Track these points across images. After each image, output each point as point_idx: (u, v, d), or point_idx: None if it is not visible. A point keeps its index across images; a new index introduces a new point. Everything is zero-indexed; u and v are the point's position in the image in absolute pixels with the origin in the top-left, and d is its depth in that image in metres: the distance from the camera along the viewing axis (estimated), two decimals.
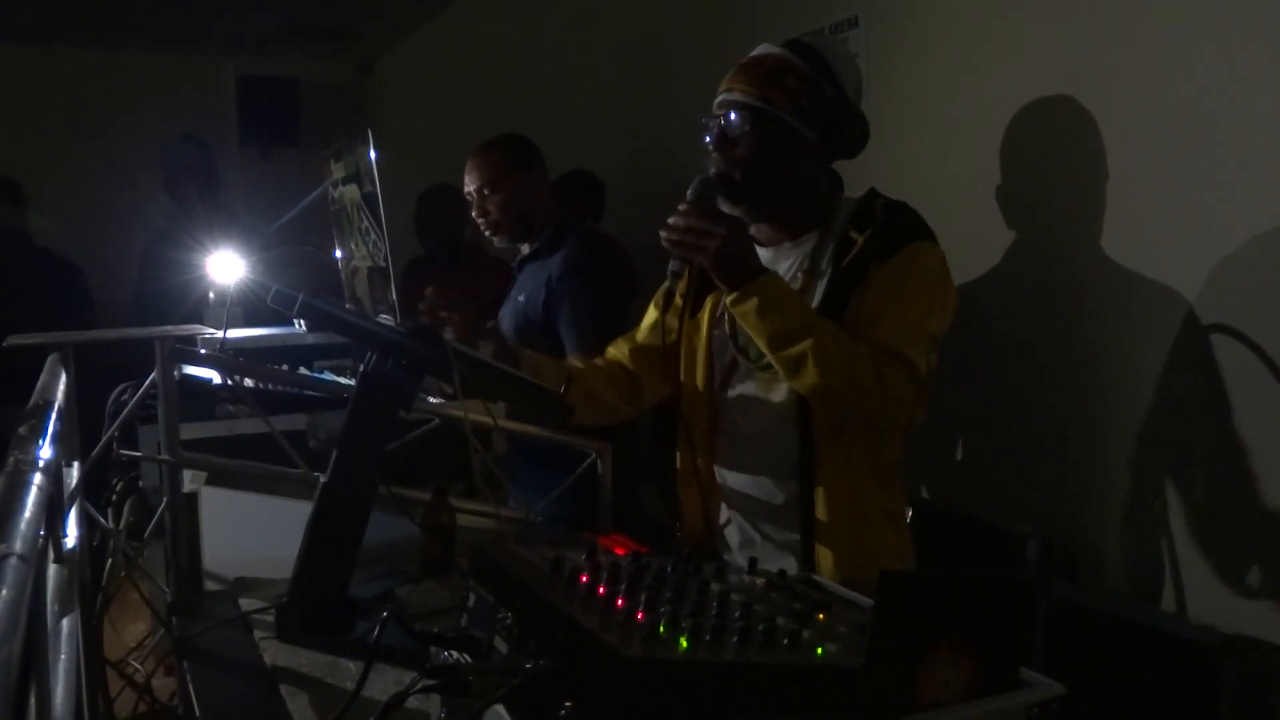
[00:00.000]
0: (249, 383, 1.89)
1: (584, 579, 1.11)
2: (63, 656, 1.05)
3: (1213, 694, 1.78)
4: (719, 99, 1.65)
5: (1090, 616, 2.02)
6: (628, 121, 4.08)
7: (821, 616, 1.06)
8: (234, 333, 2.11)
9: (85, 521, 1.62)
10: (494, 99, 4.06)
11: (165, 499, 1.77)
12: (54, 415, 1.27)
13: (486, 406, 1.77)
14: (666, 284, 1.64)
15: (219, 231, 2.54)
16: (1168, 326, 1.99)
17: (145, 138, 3.98)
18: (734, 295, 1.51)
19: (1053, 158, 2.23)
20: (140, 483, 1.90)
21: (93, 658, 1.60)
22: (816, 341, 1.48)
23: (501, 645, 1.08)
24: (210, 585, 1.80)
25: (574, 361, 1.90)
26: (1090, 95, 2.12)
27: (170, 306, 2.54)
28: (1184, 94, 1.95)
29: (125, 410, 1.76)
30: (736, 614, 1.02)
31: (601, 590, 1.07)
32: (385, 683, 1.26)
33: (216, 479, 1.82)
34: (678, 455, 1.83)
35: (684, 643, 0.94)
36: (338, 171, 1.87)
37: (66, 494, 1.45)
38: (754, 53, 1.67)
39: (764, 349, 1.54)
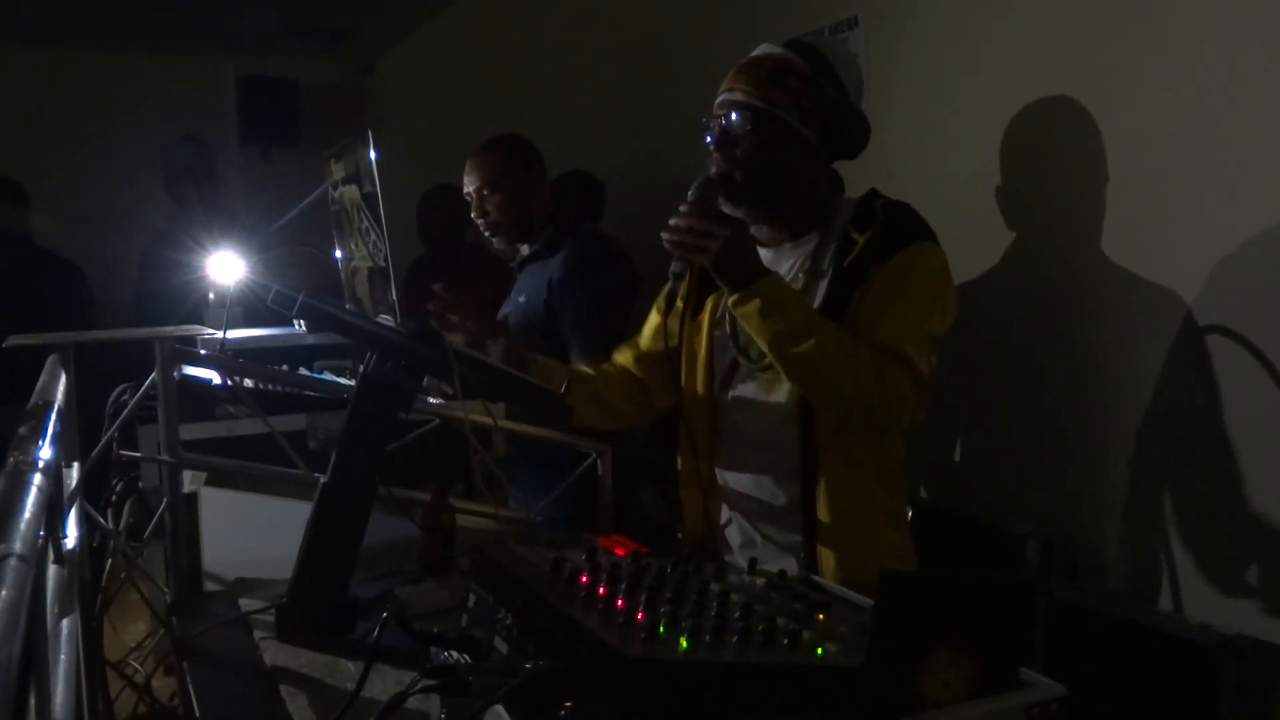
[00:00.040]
0: (249, 383, 1.89)
1: (584, 579, 1.11)
2: (62, 657, 1.05)
3: (1213, 694, 1.78)
4: (720, 99, 1.65)
5: (1090, 616, 2.02)
6: (628, 121, 4.08)
7: (821, 617, 1.06)
8: (234, 333, 2.11)
9: (85, 522, 1.62)
10: (494, 99, 4.06)
11: (165, 499, 1.77)
12: (54, 416, 1.27)
13: (486, 407, 1.77)
14: (668, 285, 1.64)
15: (219, 232, 2.53)
16: (1168, 326, 1.99)
17: (145, 138, 3.98)
18: (736, 296, 1.51)
19: (1052, 158, 2.23)
20: (140, 483, 1.90)
21: (93, 658, 1.60)
22: (818, 342, 1.48)
23: (501, 645, 1.08)
24: (210, 586, 1.80)
25: (583, 367, 1.89)
26: (1090, 95, 2.12)
27: (170, 307, 2.54)
28: (1184, 94, 1.95)
29: (125, 411, 1.77)
30: (736, 614, 1.02)
31: (601, 590, 1.07)
32: (385, 683, 1.26)
33: (216, 479, 1.82)
34: (679, 456, 1.83)
35: (684, 643, 0.94)
36: (338, 172, 1.87)
37: (66, 494, 1.45)
38: (755, 53, 1.67)
39: (766, 350, 1.54)
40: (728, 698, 0.91)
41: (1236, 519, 1.89)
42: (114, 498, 1.85)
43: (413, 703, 0.99)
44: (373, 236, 1.74)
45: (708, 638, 0.95)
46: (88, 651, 1.45)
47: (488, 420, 1.81)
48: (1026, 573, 2.05)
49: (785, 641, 0.97)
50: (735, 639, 0.96)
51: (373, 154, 1.64)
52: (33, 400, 1.37)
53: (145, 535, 1.82)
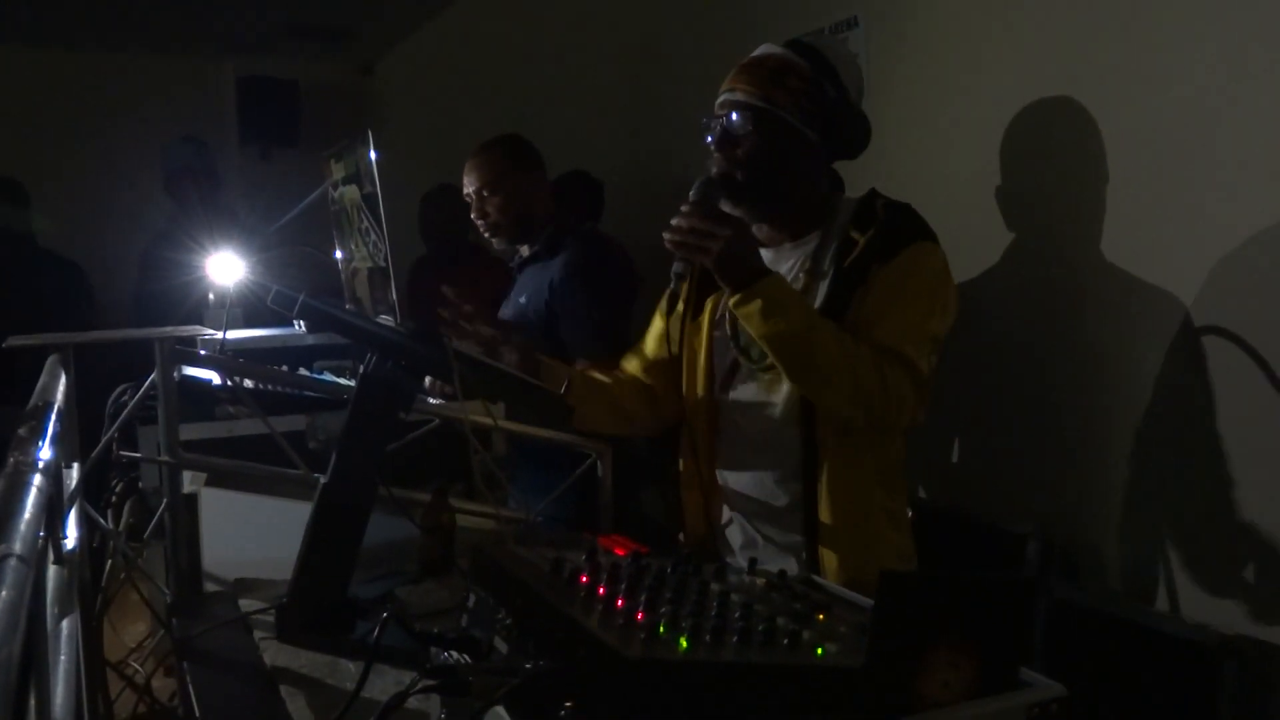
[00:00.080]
0: (249, 384, 1.89)
1: (584, 579, 1.11)
2: (62, 657, 1.05)
3: (1213, 694, 1.78)
4: (721, 99, 1.65)
5: (1090, 617, 2.02)
6: (628, 121, 4.08)
7: (821, 617, 1.06)
8: (234, 334, 2.11)
9: (85, 522, 1.62)
10: (494, 99, 4.06)
11: (165, 500, 1.77)
12: (54, 416, 1.27)
13: (487, 407, 1.77)
14: (670, 286, 1.63)
15: (219, 232, 2.54)
16: (1168, 327, 1.99)
17: (145, 138, 3.98)
18: (737, 297, 1.51)
19: (1052, 158, 2.23)
20: (140, 484, 1.90)
21: (93, 659, 1.60)
22: (820, 343, 1.48)
23: (501, 646, 1.08)
24: (210, 586, 1.80)
25: (597, 373, 1.89)
26: (1090, 95, 2.12)
27: (170, 307, 2.54)
28: (1184, 94, 1.95)
29: (125, 411, 1.77)
30: (736, 614, 1.02)
31: (601, 591, 1.07)
32: (385, 683, 1.26)
33: (216, 480, 1.82)
34: (679, 457, 1.83)
35: (684, 643, 0.94)
36: (338, 172, 1.87)
37: (66, 495, 1.45)
38: (755, 53, 1.67)
39: (767, 350, 1.54)
40: (728, 698, 0.91)
41: (1236, 519, 1.89)
42: (114, 498, 1.85)
43: (413, 703, 0.99)
44: (373, 237, 1.74)
45: (708, 638, 0.95)
46: (88, 652, 1.45)
47: (488, 421, 1.81)
48: (1026, 573, 2.05)
49: (785, 642, 0.97)
50: (735, 639, 0.96)
51: (373, 154, 1.63)
52: (33, 401, 1.37)
53: (145, 536, 1.81)
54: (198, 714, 1.33)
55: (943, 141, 2.52)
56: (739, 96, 1.62)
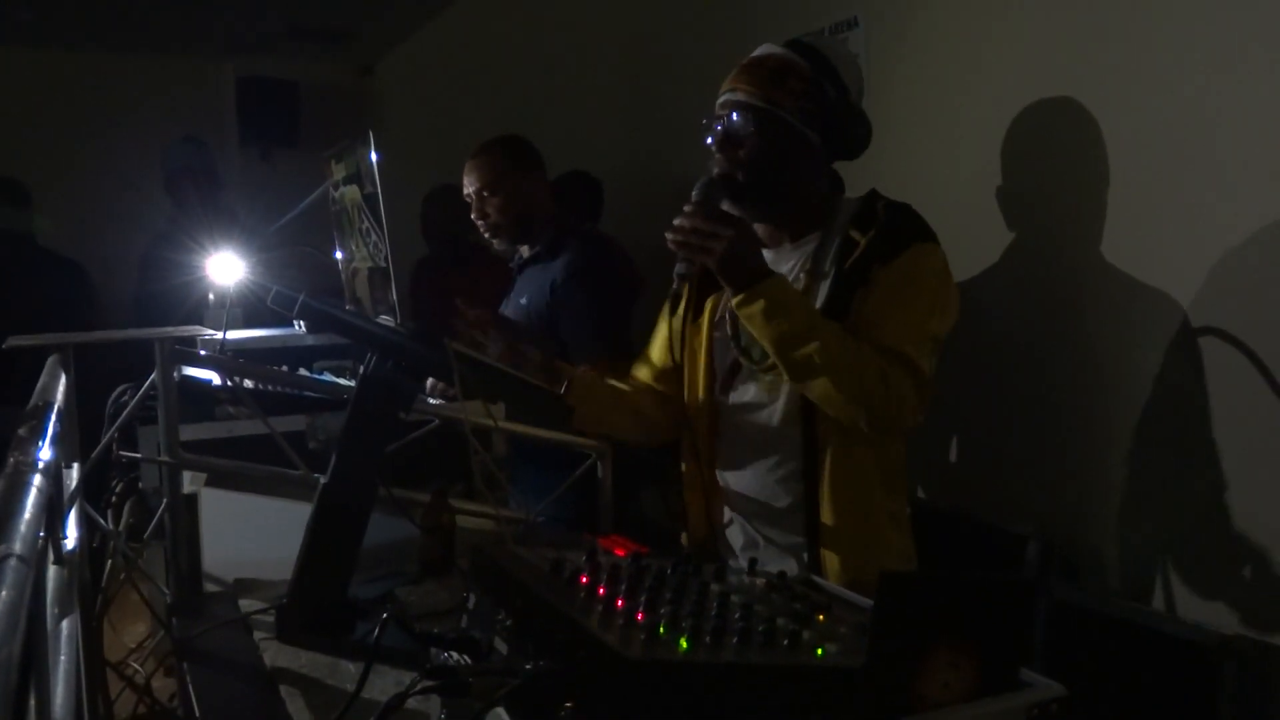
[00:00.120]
0: (249, 384, 1.89)
1: (584, 580, 1.11)
2: (62, 658, 1.05)
3: (1212, 694, 1.78)
4: (721, 99, 1.65)
5: (1090, 617, 2.02)
6: (628, 121, 4.08)
7: (821, 617, 1.06)
8: (234, 334, 2.11)
9: (85, 523, 1.62)
10: (494, 99, 4.06)
11: (165, 500, 1.77)
12: (54, 416, 1.27)
13: (486, 408, 1.77)
14: (674, 286, 1.63)
15: (219, 232, 2.53)
16: (1168, 327, 1.99)
17: (145, 139, 3.97)
18: (740, 297, 1.51)
19: (1052, 158, 2.23)
20: (140, 484, 1.90)
21: (93, 659, 1.60)
22: (822, 344, 1.48)
23: (501, 646, 1.08)
24: (210, 586, 1.80)
25: (616, 381, 1.89)
26: (1090, 96, 2.12)
27: (170, 308, 2.54)
28: (1184, 94, 1.95)
29: (125, 411, 1.76)
30: (736, 615, 1.02)
31: (602, 591, 1.07)
32: (385, 684, 1.26)
33: (216, 480, 1.82)
34: (681, 458, 1.83)
35: (684, 643, 0.94)
36: (338, 172, 1.87)
37: (66, 495, 1.45)
38: (755, 53, 1.67)
39: (770, 351, 1.54)
40: (728, 698, 0.91)
41: (1235, 520, 1.89)
42: (114, 498, 1.85)
43: (413, 703, 0.99)
44: (373, 237, 1.74)
45: (708, 638, 0.95)
46: (88, 652, 1.45)
47: (488, 421, 1.80)
48: (1026, 573, 2.05)
49: (785, 642, 0.97)
50: (735, 640, 0.96)
51: (373, 155, 1.64)
52: (33, 401, 1.37)
53: (145, 536, 1.81)
54: (198, 714, 1.33)
55: (942, 141, 2.52)
56: (740, 97, 1.62)
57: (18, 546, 0.76)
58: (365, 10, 3.93)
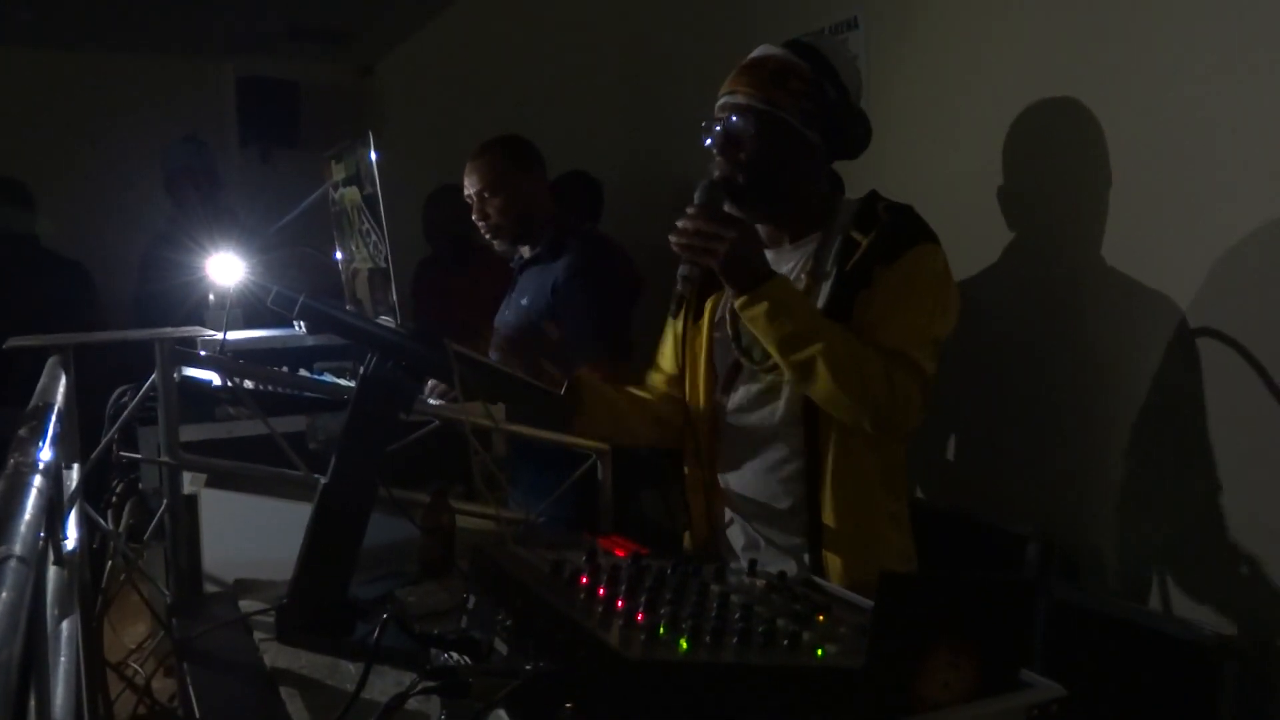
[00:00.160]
0: (249, 384, 1.89)
1: (584, 580, 1.11)
2: (62, 658, 1.05)
3: (1212, 694, 1.78)
4: (721, 101, 1.65)
5: (1090, 617, 2.02)
6: (628, 121, 4.08)
7: (821, 618, 1.06)
8: (234, 334, 2.11)
9: (85, 523, 1.62)
10: (494, 100, 4.06)
11: (165, 501, 1.77)
12: (54, 417, 1.27)
13: (487, 408, 1.77)
14: (678, 289, 1.63)
15: (219, 233, 2.53)
16: (1168, 327, 1.99)
17: (146, 139, 3.97)
18: (743, 299, 1.50)
19: (1052, 158, 2.23)
20: (140, 485, 1.90)
21: (93, 660, 1.60)
22: (826, 345, 1.48)
23: (501, 647, 1.08)
24: (210, 587, 1.80)
25: (635, 390, 1.88)
26: (1090, 96, 2.12)
27: (170, 308, 2.54)
28: (1185, 95, 1.95)
29: (125, 412, 1.77)
30: (736, 615, 1.02)
31: (602, 592, 1.07)
32: (385, 684, 1.26)
33: (216, 481, 1.82)
34: (684, 459, 1.82)
35: (684, 644, 0.94)
36: (338, 173, 1.87)
37: (66, 496, 1.45)
38: (754, 54, 1.67)
39: (773, 353, 1.54)
40: (728, 699, 0.91)
41: (1235, 520, 1.89)
42: (114, 499, 1.85)
43: (413, 704, 0.99)
44: (373, 238, 1.74)
45: (708, 639, 0.96)
46: (88, 653, 1.45)
47: (488, 422, 1.80)
48: (1026, 574, 2.05)
49: (785, 643, 0.97)
50: (735, 640, 0.96)
51: (373, 155, 1.64)
52: (33, 401, 1.37)
53: (145, 537, 1.81)
54: (198, 715, 1.33)
55: (942, 141, 2.52)
56: (740, 99, 1.62)
57: (18, 547, 0.76)
58: (365, 10, 3.93)
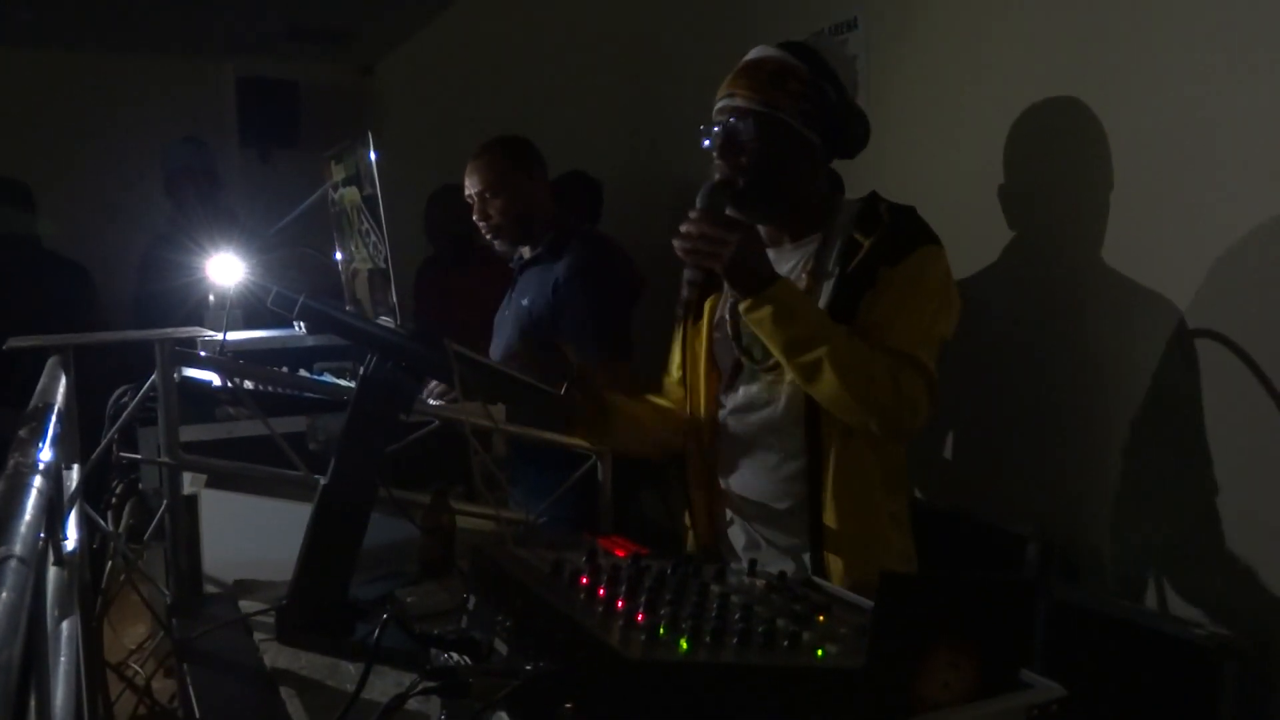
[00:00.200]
0: (249, 385, 1.89)
1: (584, 581, 1.11)
2: (63, 659, 1.05)
3: (1212, 695, 1.78)
4: (720, 104, 1.65)
5: (1090, 618, 2.02)
6: (628, 122, 4.08)
7: (821, 618, 1.06)
8: (234, 335, 2.11)
9: (85, 524, 1.62)
10: (494, 100, 4.06)
11: (165, 501, 1.77)
12: (54, 418, 1.27)
13: (486, 409, 1.77)
14: (684, 294, 1.63)
15: (219, 233, 2.53)
16: (1169, 328, 1.99)
17: (145, 139, 3.97)
18: (748, 303, 1.50)
19: (1052, 158, 2.23)
20: (140, 485, 1.90)
21: (93, 660, 1.60)
22: (832, 348, 1.48)
23: (502, 647, 1.08)
24: (210, 587, 1.80)
25: (657, 399, 1.88)
26: (1090, 96, 2.12)
27: (170, 309, 2.54)
28: (1185, 95, 1.95)
29: (125, 412, 1.77)
30: (736, 616, 1.02)
31: (602, 592, 1.07)
32: (385, 685, 1.26)
33: (216, 481, 1.82)
34: (685, 459, 1.82)
35: (684, 644, 0.94)
36: (338, 173, 1.87)
37: (66, 496, 1.45)
38: (751, 55, 1.66)
39: (779, 356, 1.54)
40: (728, 699, 0.91)
41: (1235, 520, 1.89)
42: (114, 499, 1.85)
43: (413, 704, 0.99)
44: (373, 238, 1.74)
45: (708, 639, 0.95)
46: (88, 653, 1.45)
47: (488, 422, 1.81)
48: (1026, 574, 2.05)
49: (785, 643, 0.97)
50: (735, 640, 0.96)
51: (373, 155, 1.64)
52: (33, 402, 1.37)
53: (145, 537, 1.82)
54: (198, 715, 1.33)
55: (942, 141, 2.52)
56: (739, 102, 1.61)
57: (18, 548, 0.76)
58: (365, 10, 3.93)
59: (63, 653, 1.07)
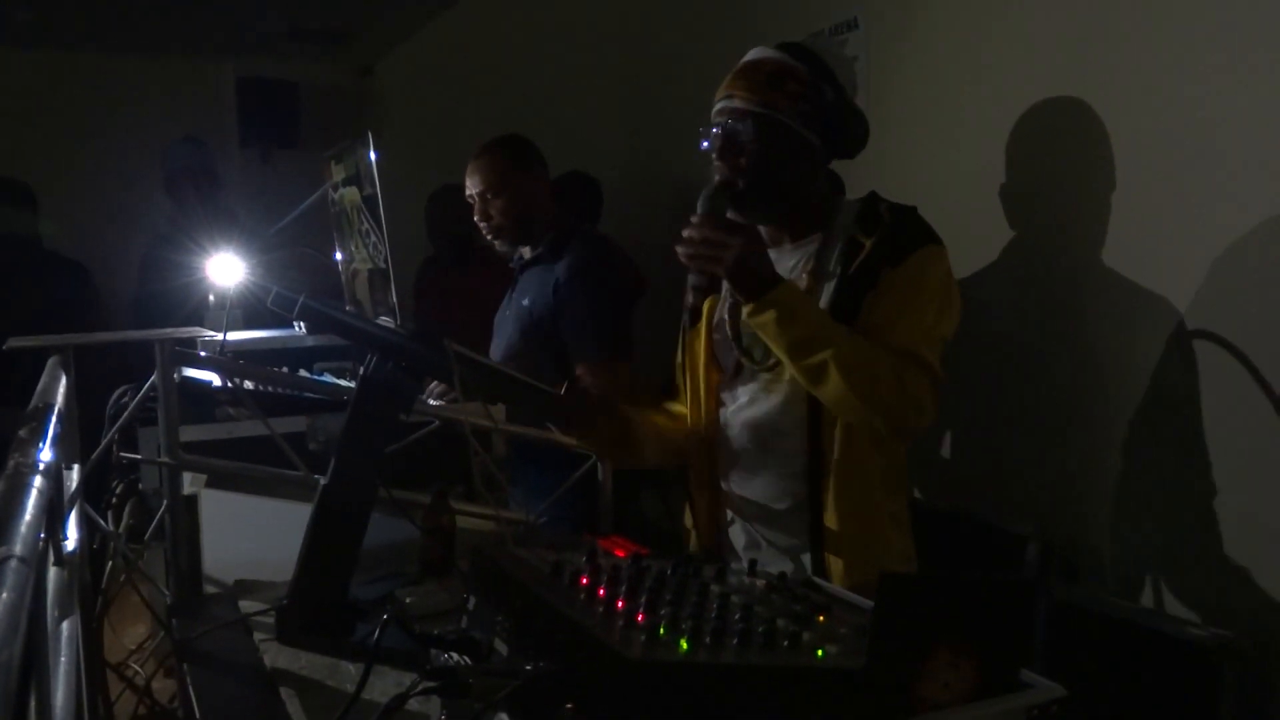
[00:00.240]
0: (249, 385, 1.89)
1: (584, 581, 1.11)
2: (63, 659, 1.05)
3: (1212, 695, 1.78)
4: (719, 105, 1.64)
5: (1090, 618, 2.02)
6: (627, 122, 4.08)
7: (822, 618, 1.06)
8: (234, 335, 2.11)
9: (85, 524, 1.62)
10: (494, 99, 4.06)
11: (165, 501, 1.77)
12: (54, 418, 1.27)
13: (487, 409, 1.77)
14: (689, 300, 1.62)
15: (219, 233, 2.54)
16: (1169, 328, 1.99)
17: (146, 140, 3.97)
18: (751, 306, 1.50)
19: (1052, 159, 2.23)
20: (140, 485, 1.90)
21: (93, 660, 1.60)
22: (837, 349, 1.48)
23: (502, 647, 1.08)
24: (210, 588, 1.80)
25: (673, 406, 1.88)
26: (1090, 96, 2.12)
27: (170, 309, 2.54)
28: (1185, 95, 1.95)
29: (125, 413, 1.77)
30: (737, 616, 1.02)
31: (602, 592, 1.07)
32: (385, 685, 1.26)
33: (216, 481, 1.82)
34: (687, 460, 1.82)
35: (684, 644, 0.94)
36: (338, 173, 1.88)
37: (67, 496, 1.45)
38: (749, 56, 1.66)
39: (783, 358, 1.54)
40: (728, 700, 0.91)
41: (1235, 520, 1.89)
42: (114, 500, 1.85)
43: (413, 705, 0.99)
44: (373, 238, 1.74)
45: (708, 639, 0.95)
46: (88, 653, 1.45)
47: (488, 422, 1.81)
48: (1026, 574, 2.05)
49: (785, 643, 0.97)
50: (735, 641, 0.96)
51: (373, 155, 1.64)
52: (33, 402, 1.37)
53: (145, 537, 1.82)
54: (198, 716, 1.33)
55: (943, 141, 2.52)
56: (738, 103, 1.61)
57: (18, 548, 0.76)
58: (365, 11, 3.93)
59: (63, 653, 1.07)
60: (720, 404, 1.74)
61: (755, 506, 1.71)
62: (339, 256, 2.03)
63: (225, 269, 2.00)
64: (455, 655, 1.10)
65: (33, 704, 0.91)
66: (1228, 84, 1.87)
